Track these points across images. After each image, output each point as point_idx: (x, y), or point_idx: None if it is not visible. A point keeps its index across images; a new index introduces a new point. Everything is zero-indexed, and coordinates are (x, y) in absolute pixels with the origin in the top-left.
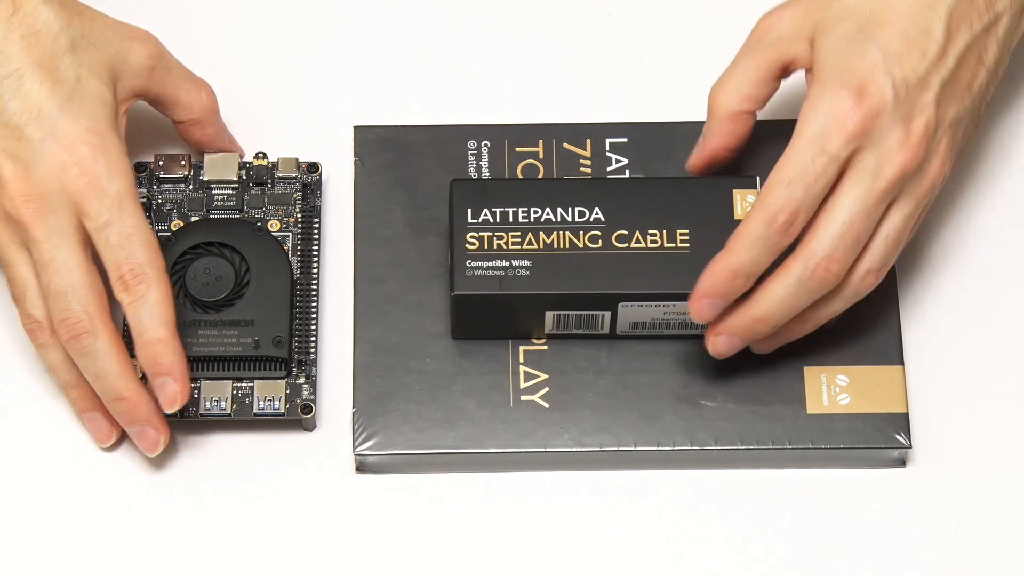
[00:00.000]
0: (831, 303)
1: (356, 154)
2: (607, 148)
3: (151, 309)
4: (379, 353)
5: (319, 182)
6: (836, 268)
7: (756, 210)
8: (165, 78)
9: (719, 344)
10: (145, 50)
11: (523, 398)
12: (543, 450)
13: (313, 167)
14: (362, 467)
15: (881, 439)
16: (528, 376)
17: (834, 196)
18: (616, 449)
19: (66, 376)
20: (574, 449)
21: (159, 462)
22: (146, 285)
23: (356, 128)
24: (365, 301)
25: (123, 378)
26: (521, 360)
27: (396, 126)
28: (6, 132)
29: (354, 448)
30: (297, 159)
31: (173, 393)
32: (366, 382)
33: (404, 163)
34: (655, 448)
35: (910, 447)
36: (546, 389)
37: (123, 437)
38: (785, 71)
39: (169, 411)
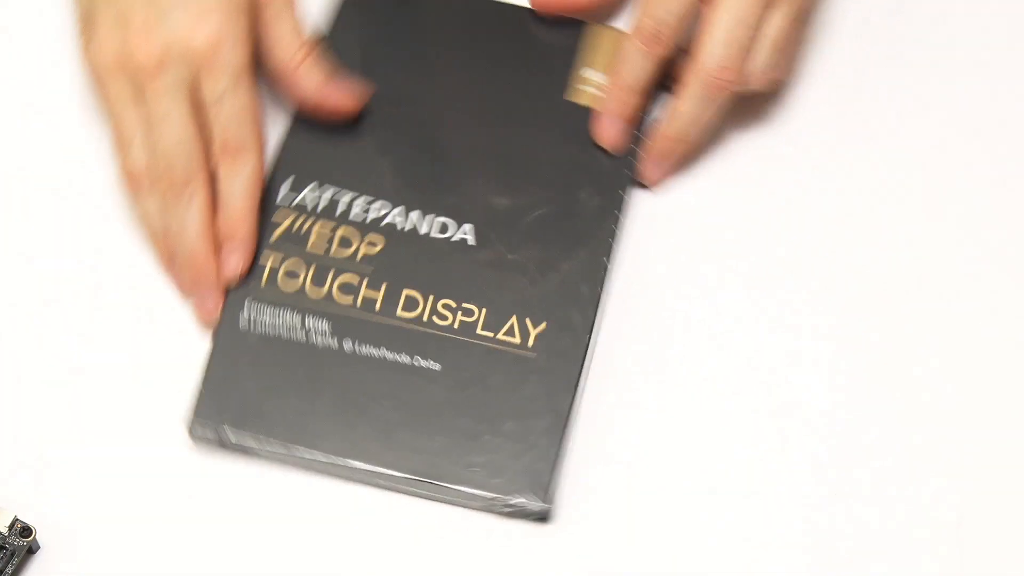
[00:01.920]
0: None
1: None
2: None
3: (243, 181)
4: None
5: None
6: (729, 76)
7: (631, 31)
8: (272, 20)
9: (652, 174)
10: None
11: None
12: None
13: None
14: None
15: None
16: None
17: (711, 7)
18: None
19: (158, 224)
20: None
21: None
22: (244, 159)
23: None
24: None
25: (202, 239)
26: None
27: None
28: None
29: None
30: None
31: (235, 265)
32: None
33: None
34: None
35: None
36: None
37: None
38: None
39: (226, 276)
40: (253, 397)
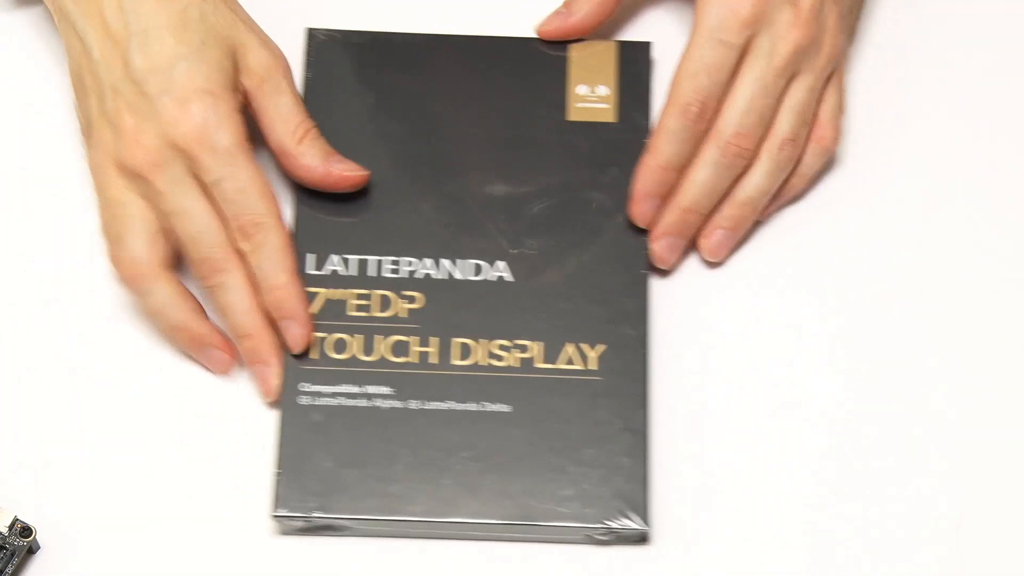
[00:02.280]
0: (755, 178)
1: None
2: None
3: (271, 256)
4: None
5: None
6: (746, 143)
7: (669, 105)
8: (269, 97)
9: (662, 249)
10: (265, 57)
11: None
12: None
13: None
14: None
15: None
16: None
17: (736, 79)
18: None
19: (175, 315)
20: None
21: None
22: (264, 233)
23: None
24: None
25: (251, 314)
26: None
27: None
28: (130, 87)
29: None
30: None
31: (296, 335)
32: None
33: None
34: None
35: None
36: None
37: None
38: None
39: (295, 351)
40: (331, 474)
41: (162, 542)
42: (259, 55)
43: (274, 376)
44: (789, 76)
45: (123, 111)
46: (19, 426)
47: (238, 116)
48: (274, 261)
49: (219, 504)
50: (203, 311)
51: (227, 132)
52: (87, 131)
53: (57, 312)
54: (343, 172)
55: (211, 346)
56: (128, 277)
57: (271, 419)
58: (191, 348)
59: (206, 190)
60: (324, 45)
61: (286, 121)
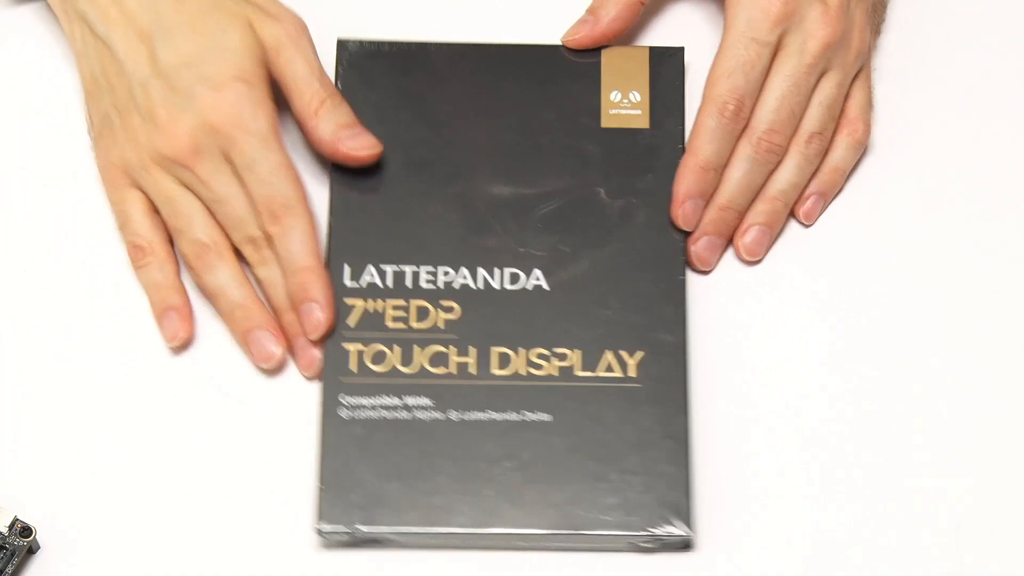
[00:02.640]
0: (785, 172)
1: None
2: None
3: (299, 238)
4: None
5: None
6: (777, 139)
7: (706, 105)
8: (284, 69)
9: (701, 249)
10: (276, 29)
11: None
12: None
13: None
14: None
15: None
16: None
17: (768, 77)
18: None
19: (235, 294)
20: None
21: None
22: (294, 217)
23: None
24: None
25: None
26: None
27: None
28: (161, 82)
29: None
30: None
31: (318, 320)
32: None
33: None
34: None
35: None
36: None
37: None
38: None
39: (313, 337)
40: (373, 487)
41: (200, 555)
42: (270, 29)
43: (318, 349)
44: (819, 72)
45: (156, 105)
46: (19, 426)
47: (270, 103)
48: (301, 244)
49: (262, 518)
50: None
51: (261, 117)
52: (104, 124)
53: (58, 313)
54: (349, 151)
55: (264, 328)
56: (194, 255)
57: (312, 432)
58: (245, 328)
59: (237, 174)
60: (355, 56)
61: (302, 93)
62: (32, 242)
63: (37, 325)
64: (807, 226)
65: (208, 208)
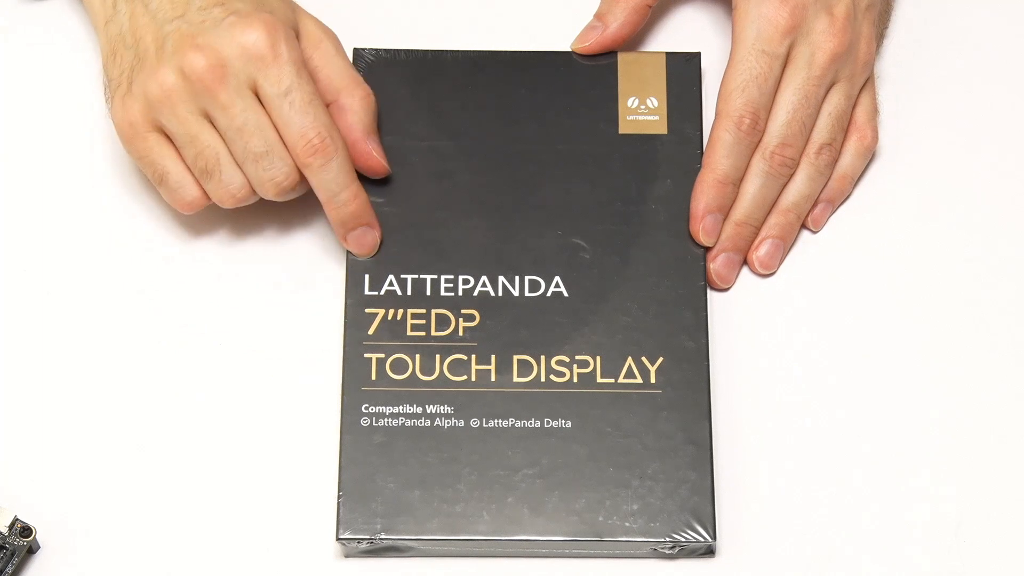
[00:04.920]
0: (797, 184)
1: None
2: None
3: (342, 168)
4: None
5: None
6: (790, 152)
7: (721, 119)
8: (325, 58)
9: (720, 266)
10: (321, 27)
11: None
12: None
13: None
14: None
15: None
16: None
17: (779, 90)
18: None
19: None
20: None
21: None
22: (334, 146)
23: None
24: None
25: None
26: None
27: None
28: (193, 16)
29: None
30: None
31: (372, 239)
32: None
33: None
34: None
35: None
36: None
37: None
38: None
39: (366, 255)
40: (394, 495)
41: (218, 563)
42: (316, 24)
43: (375, 235)
44: (828, 84)
45: (184, 35)
46: (19, 426)
47: (297, 42)
48: (346, 172)
49: (283, 527)
50: None
51: (293, 47)
52: (116, 84)
53: (78, 315)
54: (362, 160)
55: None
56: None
57: (332, 441)
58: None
59: (267, 104)
60: (371, 65)
61: (342, 81)
62: (32, 242)
63: (43, 325)
64: (815, 232)
65: (224, 139)
